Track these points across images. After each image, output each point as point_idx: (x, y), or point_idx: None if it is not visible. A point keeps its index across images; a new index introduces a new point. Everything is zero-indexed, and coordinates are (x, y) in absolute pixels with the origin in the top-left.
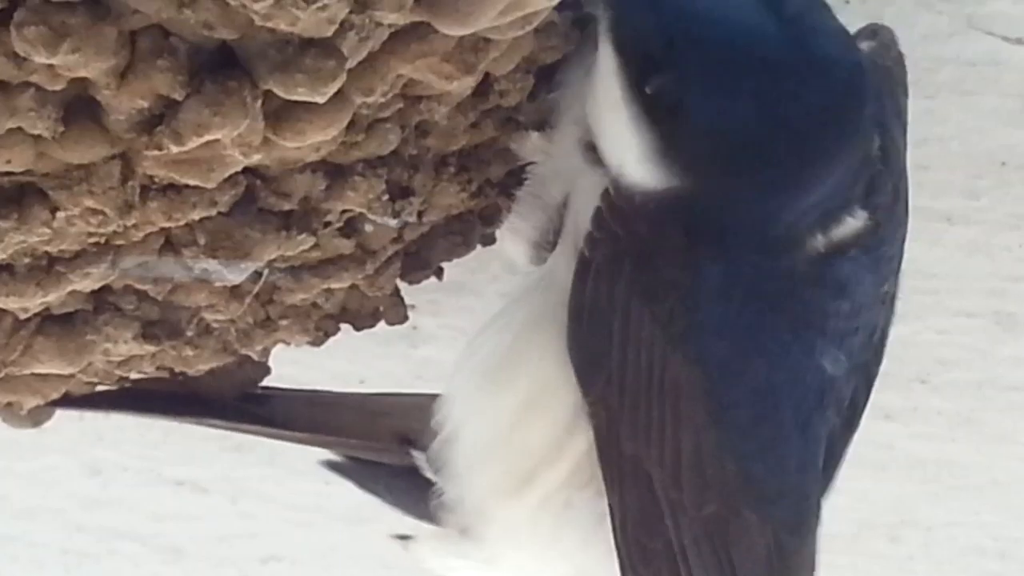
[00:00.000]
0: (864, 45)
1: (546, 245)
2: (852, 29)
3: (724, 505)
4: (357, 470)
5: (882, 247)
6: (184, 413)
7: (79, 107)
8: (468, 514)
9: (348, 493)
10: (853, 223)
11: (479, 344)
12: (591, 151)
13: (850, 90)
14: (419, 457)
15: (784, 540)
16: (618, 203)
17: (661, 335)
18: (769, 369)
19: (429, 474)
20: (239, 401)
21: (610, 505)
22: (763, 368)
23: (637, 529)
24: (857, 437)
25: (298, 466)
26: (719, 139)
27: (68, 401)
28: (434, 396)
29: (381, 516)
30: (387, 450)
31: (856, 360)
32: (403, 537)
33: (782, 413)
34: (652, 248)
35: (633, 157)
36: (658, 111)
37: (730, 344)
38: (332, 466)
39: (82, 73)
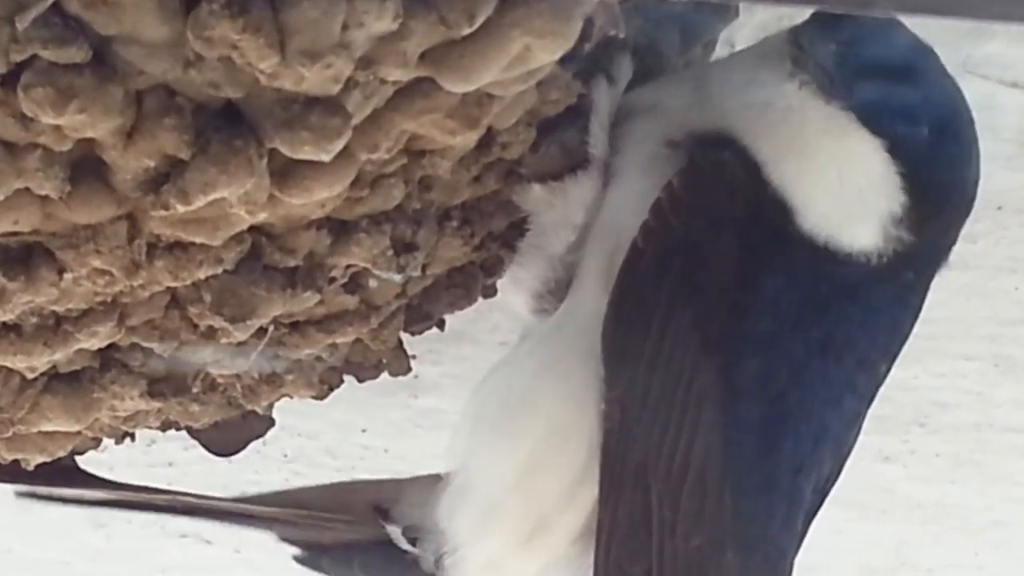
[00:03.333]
0: None
1: (548, 296)
2: None
3: (711, 541)
4: (329, 558)
5: (914, 290)
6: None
7: (86, 167)
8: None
9: None
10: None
11: (487, 394)
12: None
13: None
14: (392, 529)
15: None
16: (680, 193)
17: (698, 339)
18: (789, 399)
19: (403, 544)
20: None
21: (599, 521)
22: (784, 403)
23: (620, 551)
24: (857, 480)
25: None
26: None
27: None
28: (405, 479)
29: None
30: (359, 523)
31: (841, 433)
32: None
33: (786, 451)
34: (707, 247)
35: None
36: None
37: (761, 362)
38: (303, 561)
39: (89, 133)
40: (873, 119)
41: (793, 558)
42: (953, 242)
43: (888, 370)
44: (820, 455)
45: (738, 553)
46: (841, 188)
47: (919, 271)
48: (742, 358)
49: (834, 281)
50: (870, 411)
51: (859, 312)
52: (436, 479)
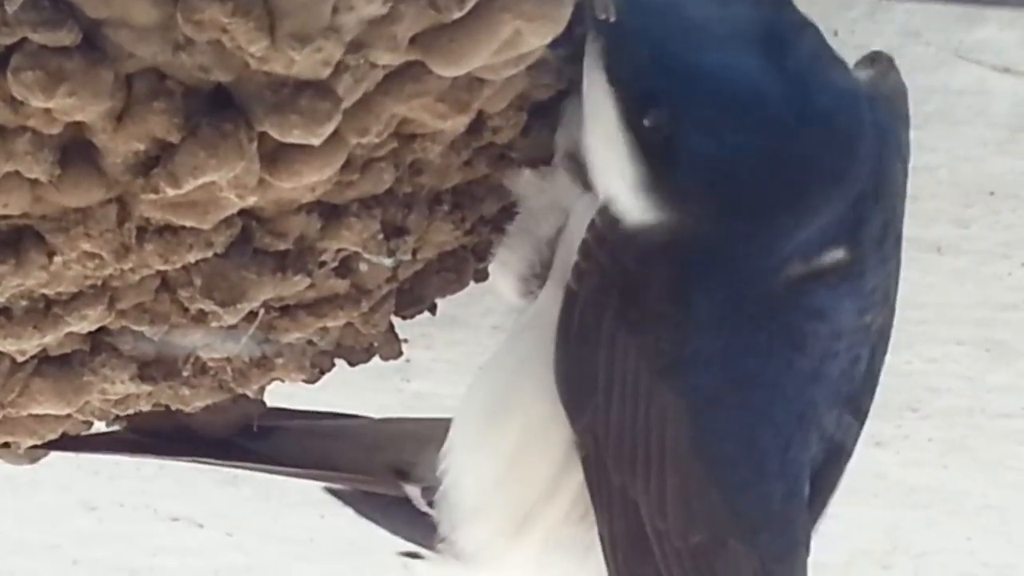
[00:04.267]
0: (863, 74)
1: (534, 279)
2: None
3: (710, 535)
4: (355, 497)
5: (864, 277)
6: (179, 452)
7: (76, 151)
8: (466, 546)
9: (343, 526)
10: (833, 255)
11: (475, 388)
12: (582, 181)
13: (844, 143)
14: (412, 490)
15: (772, 569)
16: (605, 234)
17: (647, 367)
18: (754, 400)
19: (422, 506)
20: (235, 437)
21: (600, 533)
22: (748, 400)
23: (628, 555)
24: (850, 465)
25: (293, 499)
26: (710, 179)
27: (64, 443)
28: (430, 422)
29: (376, 548)
30: (381, 483)
31: (839, 387)
32: (410, 555)
33: (766, 443)
34: (639, 280)
35: (625, 188)
36: (653, 144)
37: (716, 377)
38: (332, 492)
39: (78, 117)
40: (620, 83)
41: (810, 522)
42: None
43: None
44: (814, 420)
45: (741, 540)
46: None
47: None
48: (693, 378)
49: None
50: None
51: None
52: None
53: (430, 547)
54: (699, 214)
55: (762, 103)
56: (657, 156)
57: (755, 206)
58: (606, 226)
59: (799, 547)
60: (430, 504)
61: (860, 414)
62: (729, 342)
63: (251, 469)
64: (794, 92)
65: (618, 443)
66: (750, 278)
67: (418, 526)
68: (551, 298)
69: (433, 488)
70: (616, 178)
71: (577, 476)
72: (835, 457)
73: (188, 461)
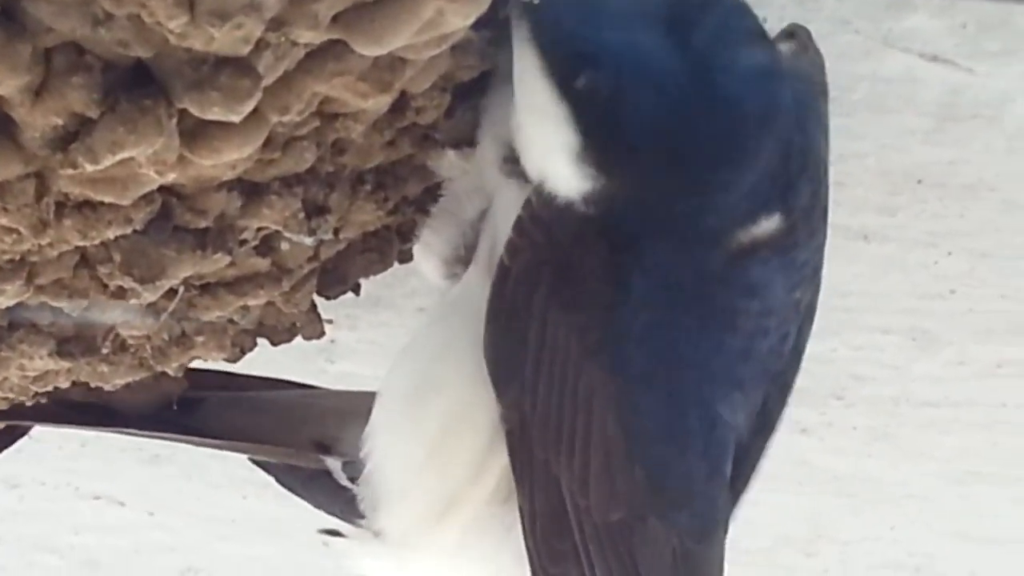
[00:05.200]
0: (783, 47)
1: (458, 261)
2: None
3: (631, 512)
4: (278, 469)
5: (795, 250)
6: (102, 423)
7: None
8: (386, 525)
9: (266, 505)
10: (767, 224)
11: (397, 370)
12: (512, 164)
13: (752, 118)
14: (333, 464)
15: (690, 547)
16: (540, 211)
17: (577, 344)
18: (682, 379)
19: (343, 480)
20: (161, 410)
21: (520, 507)
22: (676, 379)
23: (547, 530)
24: (773, 452)
25: (216, 479)
26: (635, 146)
27: None
28: (354, 395)
29: (299, 528)
30: (303, 456)
31: (767, 366)
32: (331, 532)
33: (692, 422)
34: (573, 259)
35: (561, 159)
36: (586, 108)
37: (645, 356)
38: (256, 463)
39: None
40: (549, 48)
41: (731, 502)
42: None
43: (812, 280)
44: (741, 399)
45: (660, 518)
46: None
47: (772, 216)
48: (623, 356)
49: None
50: None
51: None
52: None
53: (350, 521)
54: (624, 184)
55: (662, 80)
56: (591, 121)
57: (672, 175)
58: (541, 204)
59: (718, 526)
60: (351, 479)
61: (786, 390)
62: (660, 322)
63: (175, 440)
64: (694, 69)
65: (544, 419)
66: (684, 254)
67: (338, 500)
68: (476, 279)
69: (354, 462)
70: (551, 151)
71: (502, 458)
72: (759, 435)
73: (112, 432)
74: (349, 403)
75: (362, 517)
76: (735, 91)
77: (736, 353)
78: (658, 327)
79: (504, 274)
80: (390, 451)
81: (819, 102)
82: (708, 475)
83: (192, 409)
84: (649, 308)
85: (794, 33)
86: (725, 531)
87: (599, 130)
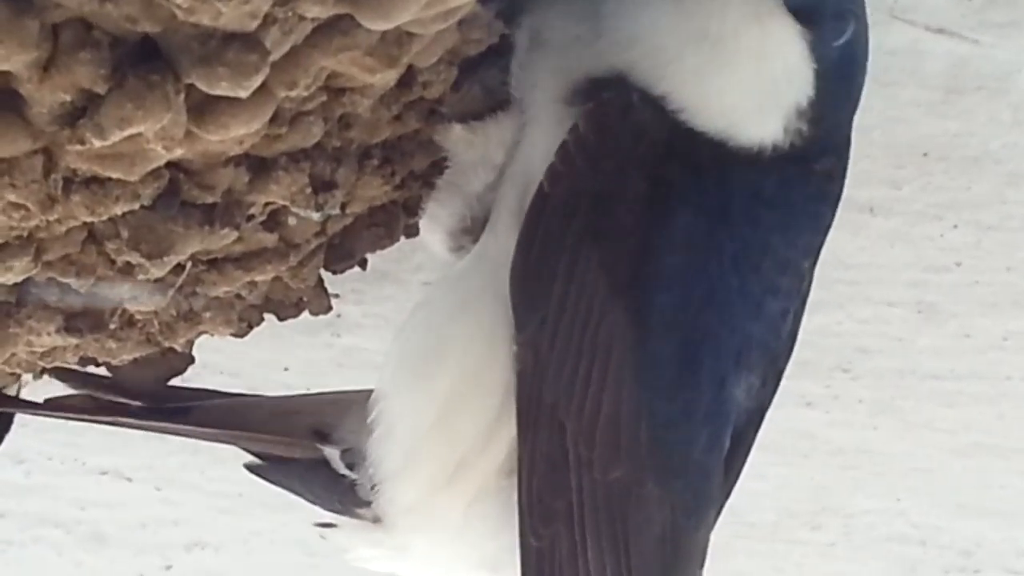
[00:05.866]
0: None
1: (463, 234)
2: None
3: (630, 472)
4: (274, 469)
5: (826, 202)
6: (101, 413)
7: (1, 101)
8: (387, 505)
9: None
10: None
11: (406, 336)
12: (588, 91)
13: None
14: (330, 452)
15: (680, 522)
16: (587, 135)
17: (606, 281)
18: (702, 333)
19: (341, 469)
20: (155, 410)
21: (519, 458)
22: (698, 330)
23: (542, 485)
24: (778, 425)
25: (221, 453)
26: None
27: None
28: (352, 392)
29: (304, 503)
30: (299, 445)
31: (770, 341)
32: (325, 525)
33: (703, 383)
34: (613, 188)
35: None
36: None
37: (672, 299)
38: (251, 468)
39: (4, 67)
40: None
41: (724, 474)
42: (848, 133)
43: (814, 262)
44: (747, 365)
45: (658, 482)
46: (757, 77)
47: (827, 160)
48: (650, 297)
49: (743, 189)
50: (792, 356)
51: (772, 215)
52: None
53: (347, 512)
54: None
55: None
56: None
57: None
58: (590, 128)
59: (710, 506)
60: (350, 467)
61: (778, 378)
62: (693, 262)
63: (170, 432)
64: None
65: (561, 359)
66: (730, 191)
67: (336, 490)
68: (497, 235)
69: (353, 450)
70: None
71: (512, 427)
72: (752, 422)
73: (107, 423)
74: (347, 397)
75: (361, 505)
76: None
77: (751, 311)
78: (689, 267)
79: (541, 201)
80: (399, 413)
81: None
82: (708, 445)
83: (184, 412)
84: (683, 249)
85: None
86: (716, 514)
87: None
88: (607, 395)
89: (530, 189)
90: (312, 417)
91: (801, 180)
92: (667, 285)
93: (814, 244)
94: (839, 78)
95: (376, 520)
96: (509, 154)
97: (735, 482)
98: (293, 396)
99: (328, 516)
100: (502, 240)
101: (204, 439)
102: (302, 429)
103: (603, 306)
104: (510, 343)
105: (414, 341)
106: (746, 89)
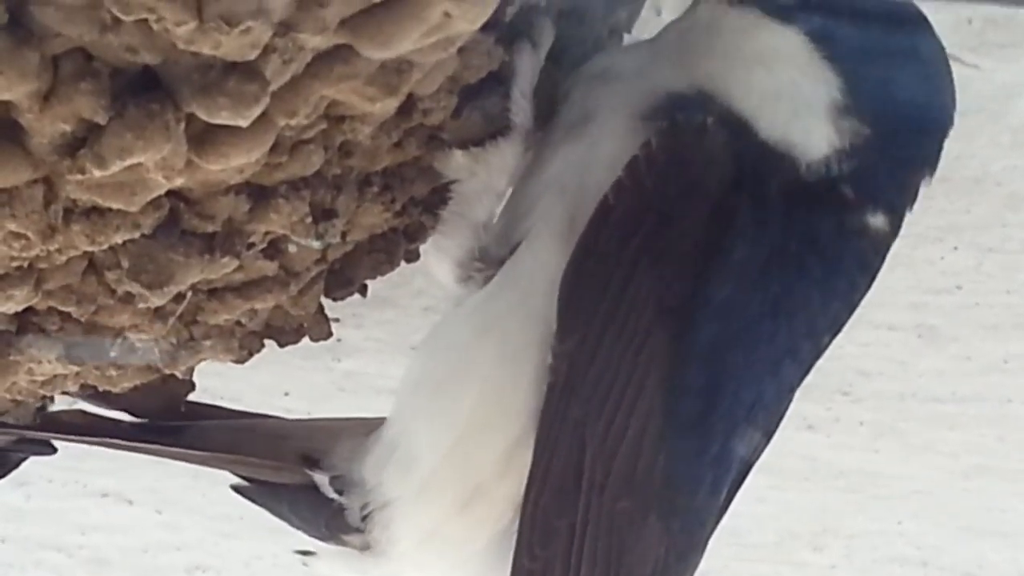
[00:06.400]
0: None
1: (472, 263)
2: None
3: (637, 504)
4: (262, 492)
5: (876, 257)
6: (93, 432)
7: (1, 131)
8: (383, 532)
9: None
10: (876, 220)
11: (423, 361)
12: (668, 110)
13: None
14: (319, 477)
15: (671, 563)
16: (659, 155)
17: (654, 305)
18: (732, 373)
19: (330, 493)
20: (147, 433)
21: (531, 473)
22: (728, 370)
23: (549, 503)
24: (780, 448)
25: (223, 476)
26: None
27: None
28: (343, 419)
29: None
30: (288, 470)
31: (780, 399)
32: (305, 552)
33: (719, 426)
34: (676, 212)
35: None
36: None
37: (712, 333)
38: (239, 490)
39: (4, 96)
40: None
41: (712, 529)
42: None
43: (830, 342)
44: (753, 421)
45: (661, 518)
46: (774, 80)
47: (881, 214)
48: (697, 326)
49: (801, 231)
50: None
51: (820, 268)
52: (367, 430)
53: (333, 539)
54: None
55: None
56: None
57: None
58: (663, 148)
59: (696, 552)
60: (339, 492)
61: (761, 448)
62: (742, 296)
63: (159, 455)
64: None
65: (596, 376)
66: (789, 218)
67: (322, 515)
68: (527, 263)
69: (344, 477)
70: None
71: (529, 456)
72: (742, 474)
73: (97, 443)
74: (338, 424)
75: (350, 532)
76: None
77: (782, 353)
78: (735, 307)
79: (605, 211)
80: (415, 438)
81: None
82: (710, 489)
83: (176, 433)
84: (736, 282)
85: None
86: (699, 558)
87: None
88: (634, 420)
89: (586, 203)
90: (302, 442)
91: (855, 236)
92: (711, 317)
93: (840, 318)
94: (877, 86)
95: (365, 547)
96: (512, 180)
97: (711, 534)
98: (285, 420)
99: (310, 543)
100: (542, 257)
101: (193, 462)
102: (291, 454)
103: (647, 329)
104: (537, 366)
105: (433, 365)
106: (778, 93)
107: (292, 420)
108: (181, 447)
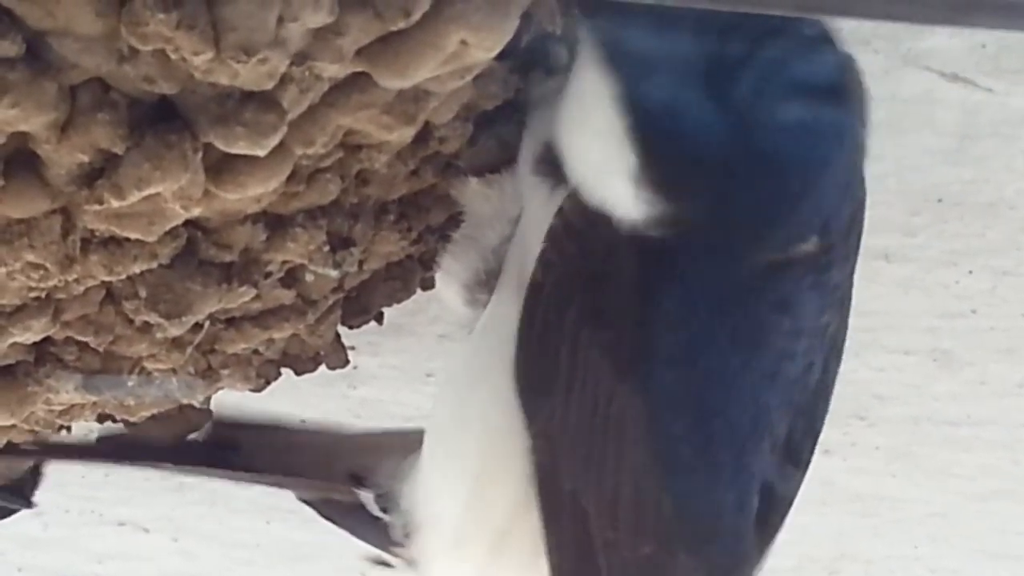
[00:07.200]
0: None
1: (479, 287)
2: None
3: (660, 547)
4: (321, 504)
5: (829, 271)
6: (135, 457)
7: (20, 161)
8: (420, 551)
9: (290, 531)
10: (805, 246)
11: (437, 403)
12: (547, 166)
13: (793, 174)
14: (365, 496)
15: None
16: (572, 219)
17: (609, 365)
18: (712, 403)
19: (375, 511)
20: (203, 449)
21: (547, 543)
22: (708, 401)
23: (573, 568)
24: None
25: (239, 505)
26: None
27: (20, 451)
28: (389, 433)
29: (320, 555)
30: (336, 489)
31: (792, 395)
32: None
33: (723, 451)
34: (604, 271)
35: (616, 179)
36: (649, 141)
37: (677, 376)
38: (304, 500)
39: (22, 127)
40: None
41: (766, 535)
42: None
43: (829, 342)
44: (767, 426)
45: (690, 552)
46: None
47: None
48: (654, 376)
49: (715, 272)
50: None
51: (760, 294)
52: (405, 448)
53: (387, 549)
54: (680, 207)
55: (709, 156)
56: (651, 149)
57: (719, 214)
58: (575, 213)
59: (747, 560)
60: (384, 510)
61: (814, 427)
62: (693, 340)
63: (209, 476)
64: (734, 126)
65: (573, 446)
66: (717, 270)
67: (373, 530)
68: (504, 302)
69: (386, 494)
70: (610, 171)
71: None
72: (790, 466)
73: (144, 467)
74: (384, 439)
75: (396, 547)
76: (774, 146)
77: (765, 377)
78: (689, 346)
79: (536, 291)
80: (433, 486)
81: (861, 129)
82: (736, 507)
83: (226, 449)
84: (682, 327)
85: None
86: (756, 566)
87: (659, 157)
88: (624, 476)
89: (527, 267)
90: (350, 460)
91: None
92: (668, 363)
93: (824, 304)
94: (660, 127)
95: (411, 563)
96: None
97: (775, 535)
98: (333, 435)
99: (345, 566)
100: (503, 311)
101: (241, 481)
102: (339, 473)
103: (610, 389)
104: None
105: (440, 414)
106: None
107: (340, 433)
108: (234, 469)
